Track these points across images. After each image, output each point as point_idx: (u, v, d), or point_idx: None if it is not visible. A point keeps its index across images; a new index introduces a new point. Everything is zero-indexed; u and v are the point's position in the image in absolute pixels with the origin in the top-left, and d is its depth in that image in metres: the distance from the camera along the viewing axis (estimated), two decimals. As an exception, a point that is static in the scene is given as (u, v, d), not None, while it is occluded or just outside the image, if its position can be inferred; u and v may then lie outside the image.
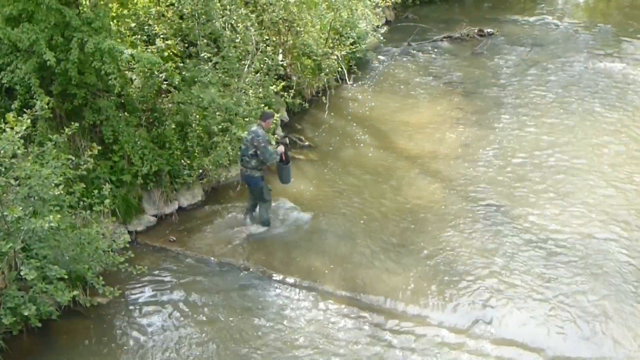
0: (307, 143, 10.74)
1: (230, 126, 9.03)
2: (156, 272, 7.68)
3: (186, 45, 10.04)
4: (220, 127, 9.07)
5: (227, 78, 9.47)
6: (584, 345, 6.39)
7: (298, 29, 11.71)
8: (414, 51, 14.71)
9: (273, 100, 10.52)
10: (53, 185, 6.15)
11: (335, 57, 12.29)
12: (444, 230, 8.29)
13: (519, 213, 8.55)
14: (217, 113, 9.03)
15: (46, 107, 6.79)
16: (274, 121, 9.76)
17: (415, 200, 8.98)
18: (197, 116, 8.86)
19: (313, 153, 10.49)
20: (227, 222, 8.69)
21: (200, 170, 9.00)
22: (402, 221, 8.53)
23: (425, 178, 9.58)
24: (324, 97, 11.91)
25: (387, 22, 16.59)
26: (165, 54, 9.45)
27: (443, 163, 9.94)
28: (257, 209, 8.53)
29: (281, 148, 8.14)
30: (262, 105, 10.04)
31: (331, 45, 12.57)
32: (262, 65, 10.50)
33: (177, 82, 8.58)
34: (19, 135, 5.99)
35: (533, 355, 6.32)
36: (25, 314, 5.89)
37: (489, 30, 15.61)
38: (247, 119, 9.39)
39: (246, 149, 7.98)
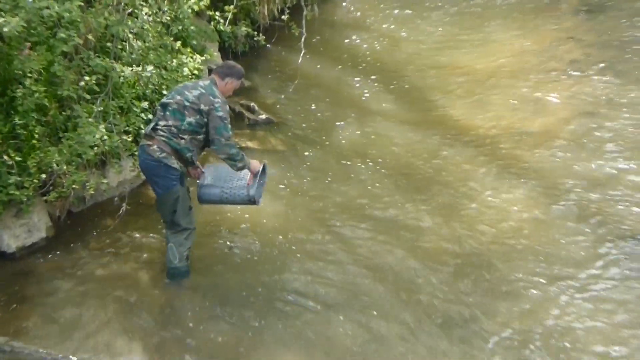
0: (262, 115, 10.84)
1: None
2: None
3: None
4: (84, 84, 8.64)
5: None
6: None
7: None
8: None
9: (192, 28, 10.51)
10: None
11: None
12: (546, 290, 7.69)
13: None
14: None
15: None
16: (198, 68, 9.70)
17: (483, 230, 8.58)
18: (35, 65, 8.29)
19: (274, 134, 10.52)
20: (102, 281, 8.05)
21: (44, 176, 8.37)
22: (456, 272, 8.04)
23: (503, 183, 9.39)
24: (294, 23, 11.89)
25: None
26: None
27: (539, 152, 9.82)
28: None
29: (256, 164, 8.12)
30: (171, 39, 10.16)
31: None
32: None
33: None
34: None
35: None
36: None
37: None
38: (141, 66, 9.34)
39: (181, 114, 7.76)
